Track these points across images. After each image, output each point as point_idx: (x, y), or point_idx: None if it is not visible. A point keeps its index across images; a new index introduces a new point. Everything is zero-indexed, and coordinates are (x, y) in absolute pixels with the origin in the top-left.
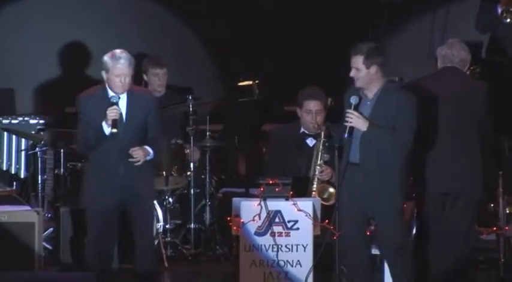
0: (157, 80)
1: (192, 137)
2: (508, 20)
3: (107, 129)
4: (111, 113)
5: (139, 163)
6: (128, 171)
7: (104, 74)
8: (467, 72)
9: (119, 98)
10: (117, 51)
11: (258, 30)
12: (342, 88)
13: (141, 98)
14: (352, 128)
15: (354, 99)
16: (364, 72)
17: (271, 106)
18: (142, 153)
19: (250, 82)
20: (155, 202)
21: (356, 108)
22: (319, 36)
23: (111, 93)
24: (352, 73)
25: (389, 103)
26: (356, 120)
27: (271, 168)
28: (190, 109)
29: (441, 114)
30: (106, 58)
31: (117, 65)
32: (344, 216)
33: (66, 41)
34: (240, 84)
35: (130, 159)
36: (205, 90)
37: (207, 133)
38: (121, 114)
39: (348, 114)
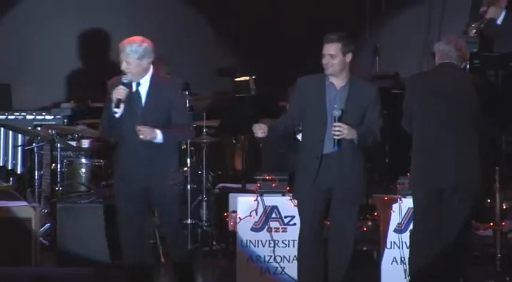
0: None
1: None
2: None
3: (113, 109)
4: (116, 92)
5: (145, 138)
6: (147, 159)
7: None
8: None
9: (132, 81)
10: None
11: (255, 26)
12: None
13: (161, 86)
14: (340, 140)
15: (337, 111)
16: (339, 59)
17: (267, 101)
18: (147, 131)
19: (247, 77)
20: None
21: (340, 120)
22: (314, 30)
23: (126, 78)
24: (326, 60)
25: (363, 95)
26: (347, 132)
27: None
28: (187, 105)
29: (438, 109)
30: (146, 45)
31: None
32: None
33: (64, 35)
34: (237, 79)
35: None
36: (201, 86)
37: (204, 129)
38: (140, 99)
39: (336, 128)
